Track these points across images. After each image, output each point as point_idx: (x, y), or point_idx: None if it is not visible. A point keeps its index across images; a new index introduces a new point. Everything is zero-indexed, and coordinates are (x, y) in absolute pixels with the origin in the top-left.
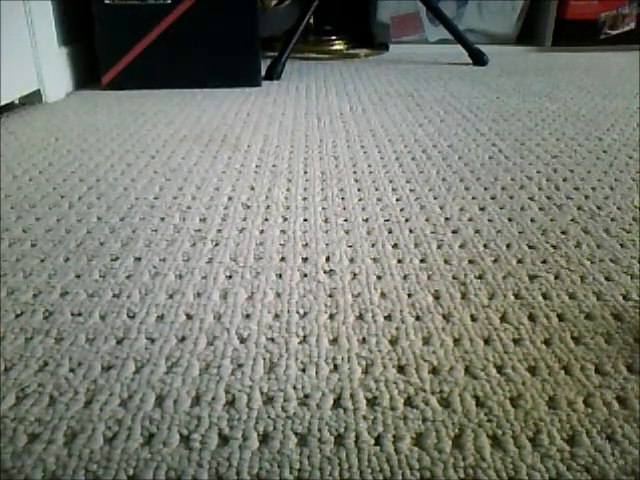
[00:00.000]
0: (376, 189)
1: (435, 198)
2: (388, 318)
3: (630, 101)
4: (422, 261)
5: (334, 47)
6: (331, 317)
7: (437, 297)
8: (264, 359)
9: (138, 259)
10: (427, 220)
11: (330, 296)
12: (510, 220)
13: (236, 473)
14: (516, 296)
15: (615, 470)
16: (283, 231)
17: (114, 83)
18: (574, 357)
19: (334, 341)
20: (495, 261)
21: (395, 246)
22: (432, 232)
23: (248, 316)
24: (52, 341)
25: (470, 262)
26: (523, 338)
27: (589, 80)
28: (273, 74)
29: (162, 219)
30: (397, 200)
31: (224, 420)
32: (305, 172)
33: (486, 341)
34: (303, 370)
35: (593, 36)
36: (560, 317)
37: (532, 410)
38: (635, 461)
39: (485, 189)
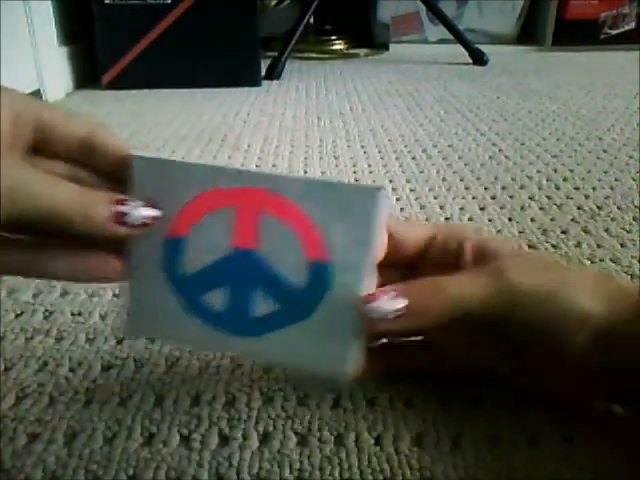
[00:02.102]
0: None
1: (435, 198)
2: None
3: (630, 101)
4: None
5: (334, 47)
6: None
7: None
8: None
9: None
10: (427, 220)
11: None
12: (510, 220)
13: (236, 473)
14: None
15: (615, 469)
16: None
17: (114, 83)
18: None
19: None
20: None
21: None
22: None
23: None
24: (52, 341)
25: None
26: None
27: (589, 80)
28: (273, 74)
29: None
30: (397, 200)
31: (224, 420)
32: (305, 172)
33: None
34: None
35: (593, 36)
36: None
37: (532, 410)
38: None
39: (485, 189)
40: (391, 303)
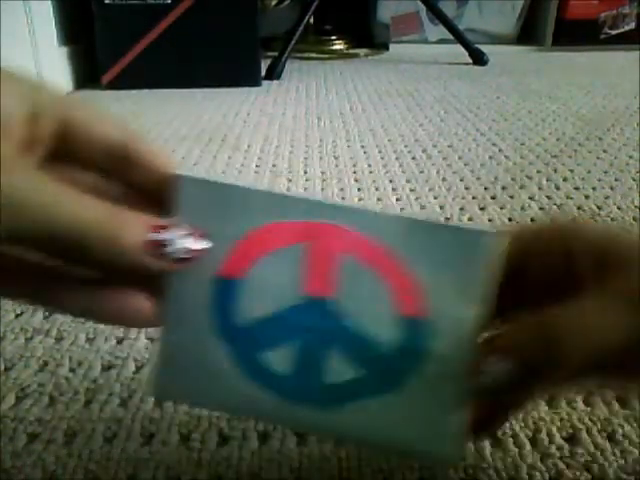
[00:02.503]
0: (376, 189)
1: (435, 198)
2: None
3: (630, 101)
4: None
5: (334, 47)
6: None
7: None
8: None
9: None
10: None
11: None
12: (510, 220)
13: (235, 472)
14: None
15: (615, 469)
16: None
17: (114, 83)
18: None
19: None
20: None
21: None
22: None
23: None
24: (52, 341)
25: None
26: None
27: (589, 80)
28: (273, 74)
29: None
30: (397, 200)
31: (224, 420)
32: (305, 172)
33: None
34: None
35: (593, 36)
36: None
37: (532, 410)
38: (635, 460)
39: (485, 189)
40: (502, 365)
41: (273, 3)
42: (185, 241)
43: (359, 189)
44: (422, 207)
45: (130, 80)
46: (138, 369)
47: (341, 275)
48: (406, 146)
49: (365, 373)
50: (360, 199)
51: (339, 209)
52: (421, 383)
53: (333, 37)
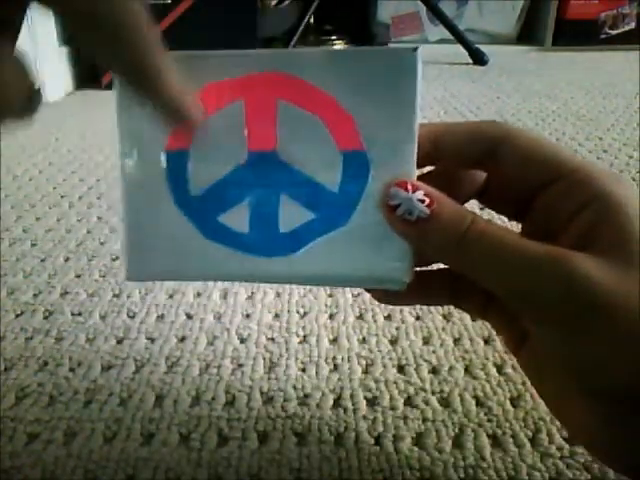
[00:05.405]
0: None
1: None
2: (388, 318)
3: (630, 101)
4: None
5: (334, 47)
6: (331, 317)
7: None
8: (264, 359)
9: None
10: None
11: (330, 296)
12: (510, 219)
13: (235, 473)
14: None
15: None
16: None
17: None
18: None
19: (334, 341)
20: None
21: None
22: None
23: (248, 316)
24: (52, 341)
25: None
26: None
27: (589, 80)
28: None
29: None
30: None
31: (223, 420)
32: None
33: (486, 341)
34: (303, 370)
35: (593, 36)
36: None
37: (532, 410)
38: None
39: None
40: (417, 202)
41: (273, 3)
42: None
43: None
44: None
45: None
46: (138, 369)
47: (280, 123)
48: None
49: (316, 214)
50: None
51: (267, 57)
52: (367, 214)
53: (333, 37)
